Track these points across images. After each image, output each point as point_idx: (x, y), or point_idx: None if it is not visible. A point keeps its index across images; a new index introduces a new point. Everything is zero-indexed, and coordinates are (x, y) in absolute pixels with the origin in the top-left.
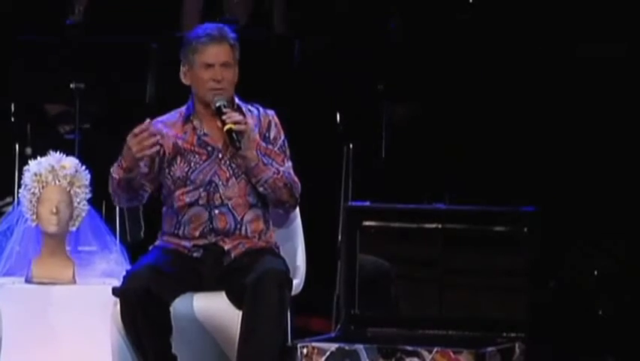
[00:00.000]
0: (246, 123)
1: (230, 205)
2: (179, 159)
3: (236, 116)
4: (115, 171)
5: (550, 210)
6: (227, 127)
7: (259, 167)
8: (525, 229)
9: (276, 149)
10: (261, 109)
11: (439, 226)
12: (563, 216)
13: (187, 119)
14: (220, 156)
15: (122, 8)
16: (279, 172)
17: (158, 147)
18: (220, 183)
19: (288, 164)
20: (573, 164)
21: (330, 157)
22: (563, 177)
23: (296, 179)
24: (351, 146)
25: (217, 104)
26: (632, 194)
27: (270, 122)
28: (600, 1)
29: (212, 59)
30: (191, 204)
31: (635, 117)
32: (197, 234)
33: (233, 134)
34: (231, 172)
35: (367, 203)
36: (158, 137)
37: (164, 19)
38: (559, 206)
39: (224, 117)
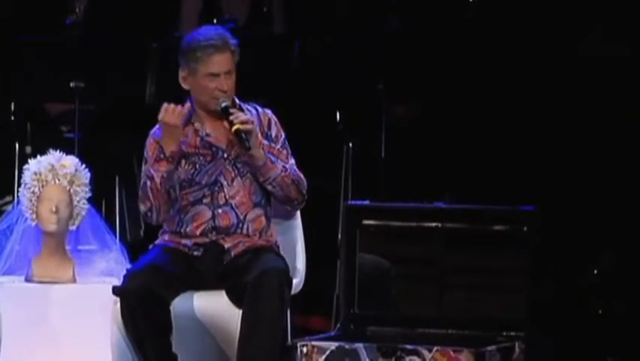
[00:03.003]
0: (252, 122)
1: (233, 204)
2: (183, 162)
3: (243, 116)
4: (155, 171)
5: (550, 210)
6: (235, 127)
7: (267, 165)
8: (525, 229)
9: (279, 147)
10: (259, 108)
11: (439, 225)
12: (563, 216)
13: (187, 121)
14: (225, 156)
15: (122, 8)
16: (286, 170)
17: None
18: (225, 183)
19: (292, 161)
20: (573, 164)
21: (329, 156)
22: (562, 177)
23: (302, 175)
24: (350, 145)
25: (222, 105)
26: (632, 193)
27: (270, 121)
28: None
29: (216, 69)
30: (194, 203)
31: (635, 116)
32: (198, 232)
33: (242, 135)
34: (237, 172)
35: (367, 202)
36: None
37: (163, 18)
38: (559, 206)
39: (231, 118)
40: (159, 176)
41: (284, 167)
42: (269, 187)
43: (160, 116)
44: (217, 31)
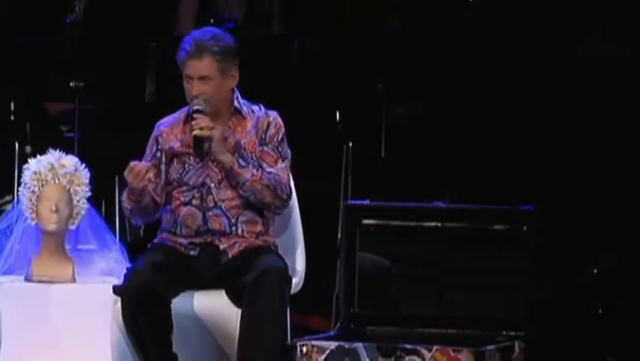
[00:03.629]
0: (212, 128)
1: (223, 207)
2: (175, 161)
3: (203, 122)
4: (125, 201)
5: (550, 210)
6: (193, 132)
7: (234, 170)
8: (525, 228)
9: (268, 149)
10: (263, 109)
11: (439, 224)
12: (563, 216)
13: (186, 120)
14: (213, 158)
15: (122, 7)
16: (256, 175)
17: (150, 177)
18: (213, 185)
19: (281, 165)
20: (573, 164)
21: (329, 156)
22: (562, 177)
23: (284, 180)
24: (350, 144)
25: (194, 108)
26: (632, 193)
27: (269, 124)
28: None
29: (190, 73)
30: (186, 204)
31: (635, 116)
32: (192, 232)
33: (199, 141)
34: (223, 174)
35: (367, 201)
36: (150, 166)
37: (162, 18)
38: (559, 206)
39: (193, 122)
40: (128, 208)
41: (255, 172)
42: (240, 191)
43: (125, 173)
44: (200, 36)
